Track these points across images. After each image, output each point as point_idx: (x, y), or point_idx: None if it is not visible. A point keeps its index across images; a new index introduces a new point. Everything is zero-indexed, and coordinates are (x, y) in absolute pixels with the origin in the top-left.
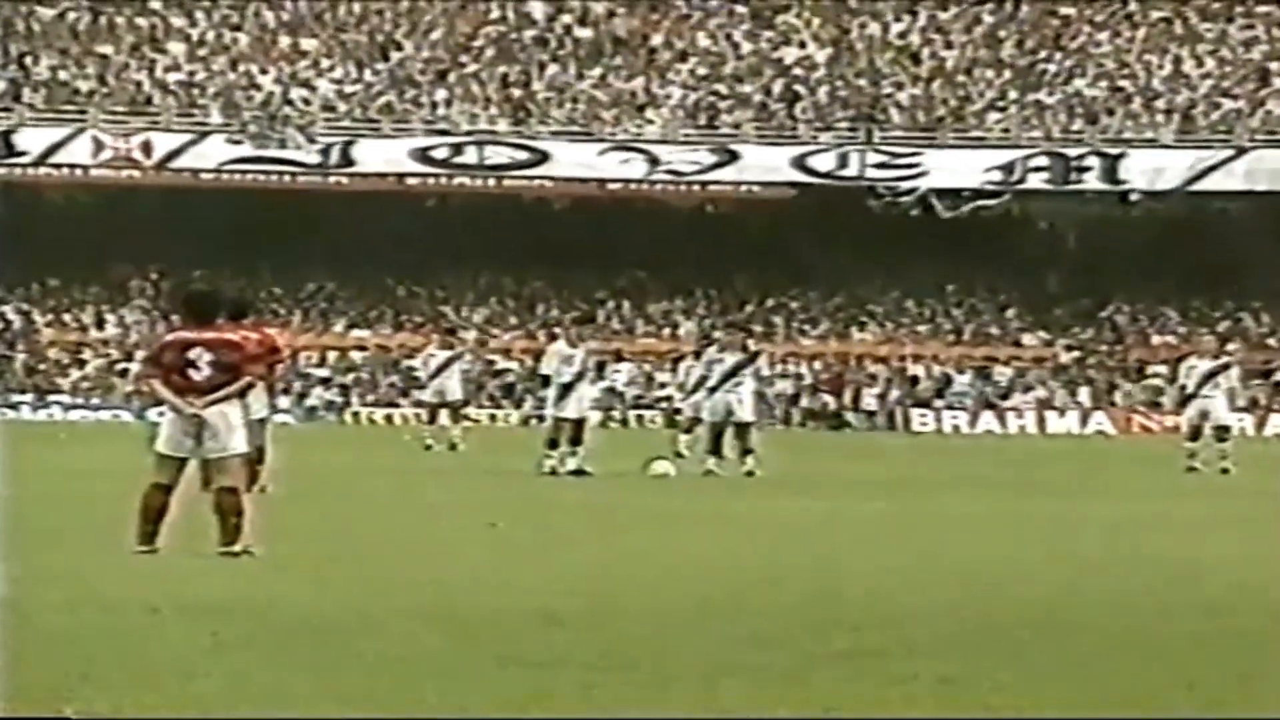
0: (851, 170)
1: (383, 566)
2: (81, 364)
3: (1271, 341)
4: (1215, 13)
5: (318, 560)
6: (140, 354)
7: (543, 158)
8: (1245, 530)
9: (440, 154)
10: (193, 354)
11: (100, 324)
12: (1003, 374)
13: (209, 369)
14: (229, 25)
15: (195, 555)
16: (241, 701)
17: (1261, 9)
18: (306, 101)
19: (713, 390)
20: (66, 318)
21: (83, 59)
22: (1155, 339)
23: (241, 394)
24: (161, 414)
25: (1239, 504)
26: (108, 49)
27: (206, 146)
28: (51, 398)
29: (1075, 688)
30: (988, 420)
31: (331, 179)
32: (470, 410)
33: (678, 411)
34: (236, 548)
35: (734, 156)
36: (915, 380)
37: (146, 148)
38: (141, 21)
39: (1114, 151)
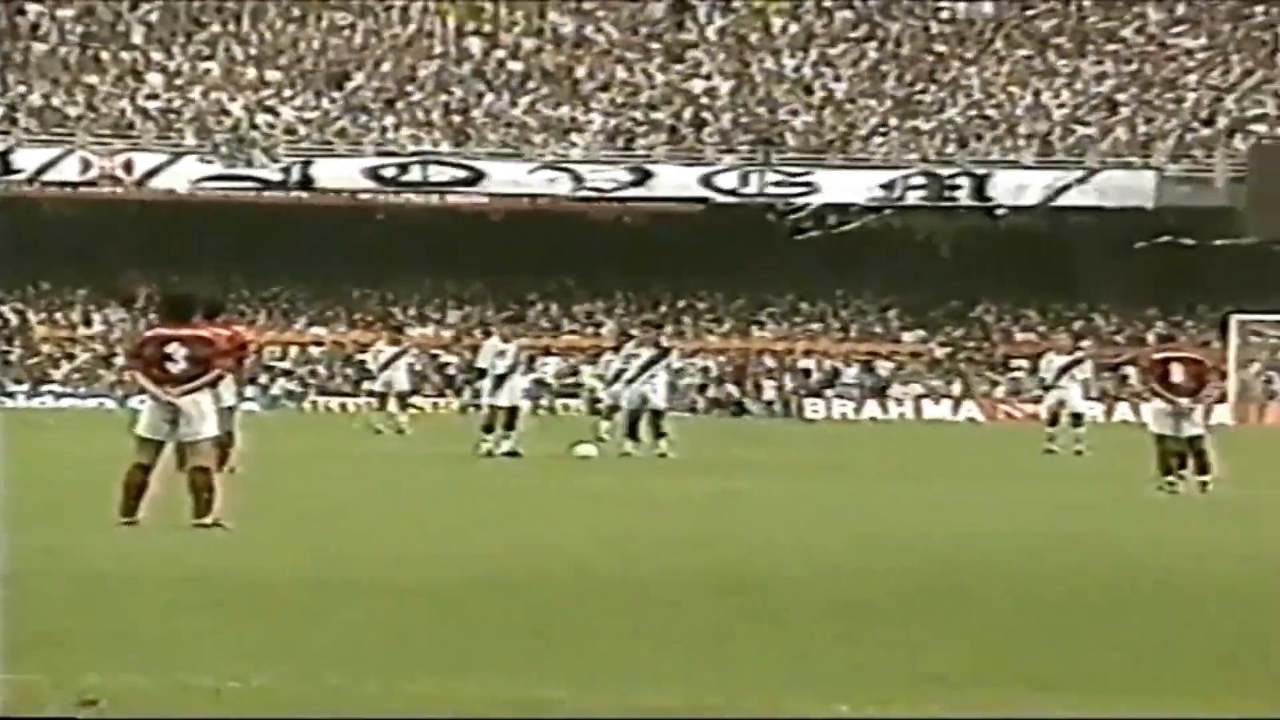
0: (752, 188)
1: (338, 539)
2: (71, 357)
3: (1119, 339)
4: (1070, 50)
5: (280, 533)
6: (123, 349)
7: (479, 176)
8: (1096, 506)
9: (389, 173)
10: (170, 349)
11: (88, 322)
12: (885, 367)
13: (184, 362)
14: (201, 58)
15: (172, 528)
16: (209, 658)
17: (1110, 47)
18: (270, 126)
19: (630, 381)
20: (58, 316)
21: (72, 88)
22: (1018, 336)
23: (213, 384)
24: (142, 402)
25: (1091, 482)
26: (94, 79)
27: (181, 166)
28: (44, 388)
29: (951, 642)
30: (871, 408)
31: (292, 195)
32: (415, 399)
33: (599, 400)
34: (208, 521)
35: (648, 175)
36: (808, 373)
37: (128, 166)
38: (124, 55)
39: (982, 172)
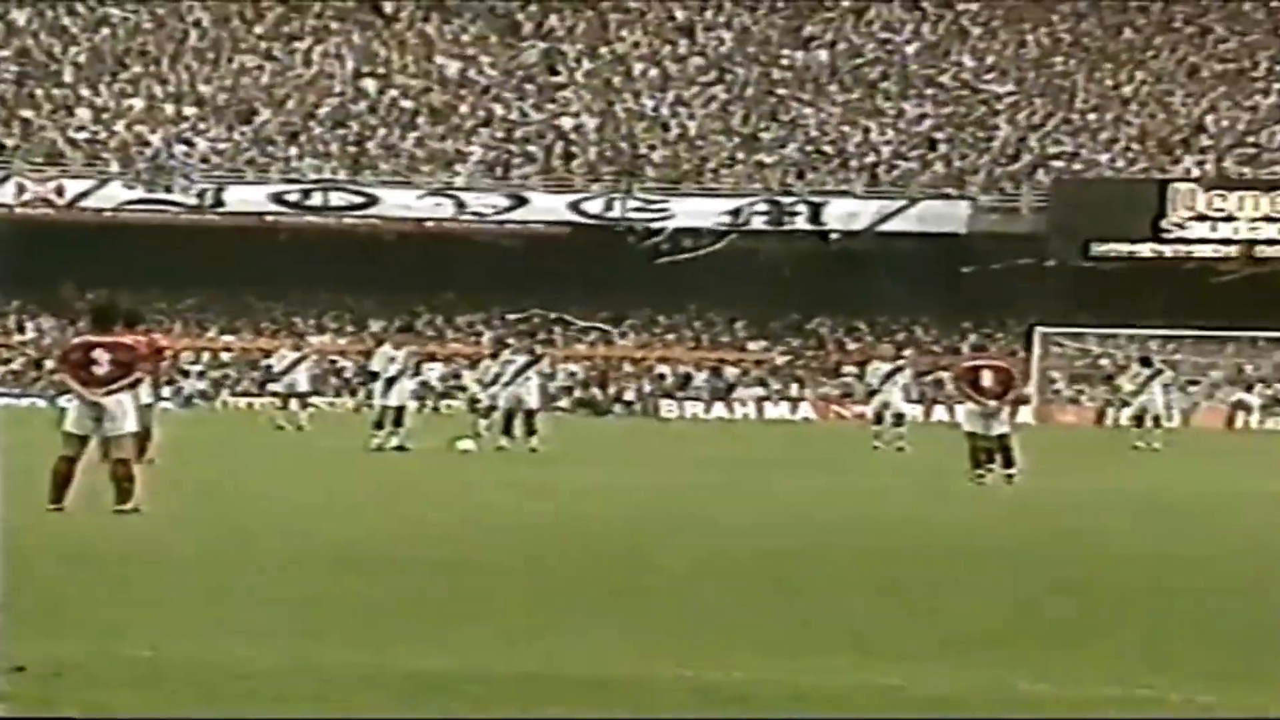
0: (615, 213)
1: (245, 522)
2: (6, 362)
3: (936, 348)
4: (894, 93)
5: (193, 516)
6: (53, 354)
7: (373, 201)
8: (915, 494)
9: (292, 197)
10: (95, 353)
11: (21, 329)
12: (731, 372)
13: (108, 365)
14: (125, 95)
15: (96, 513)
16: (129, 630)
17: (929, 91)
18: (187, 155)
19: (506, 384)
20: None
21: (9, 121)
22: (848, 346)
23: (133, 385)
24: (69, 401)
25: (911, 474)
26: (29, 113)
27: (108, 190)
28: None
29: (788, 614)
30: (719, 409)
31: (206, 216)
32: (314, 399)
33: (478, 401)
34: (128, 507)
35: (523, 201)
36: (663, 377)
37: (59, 190)
38: (56, 92)
39: (817, 200)
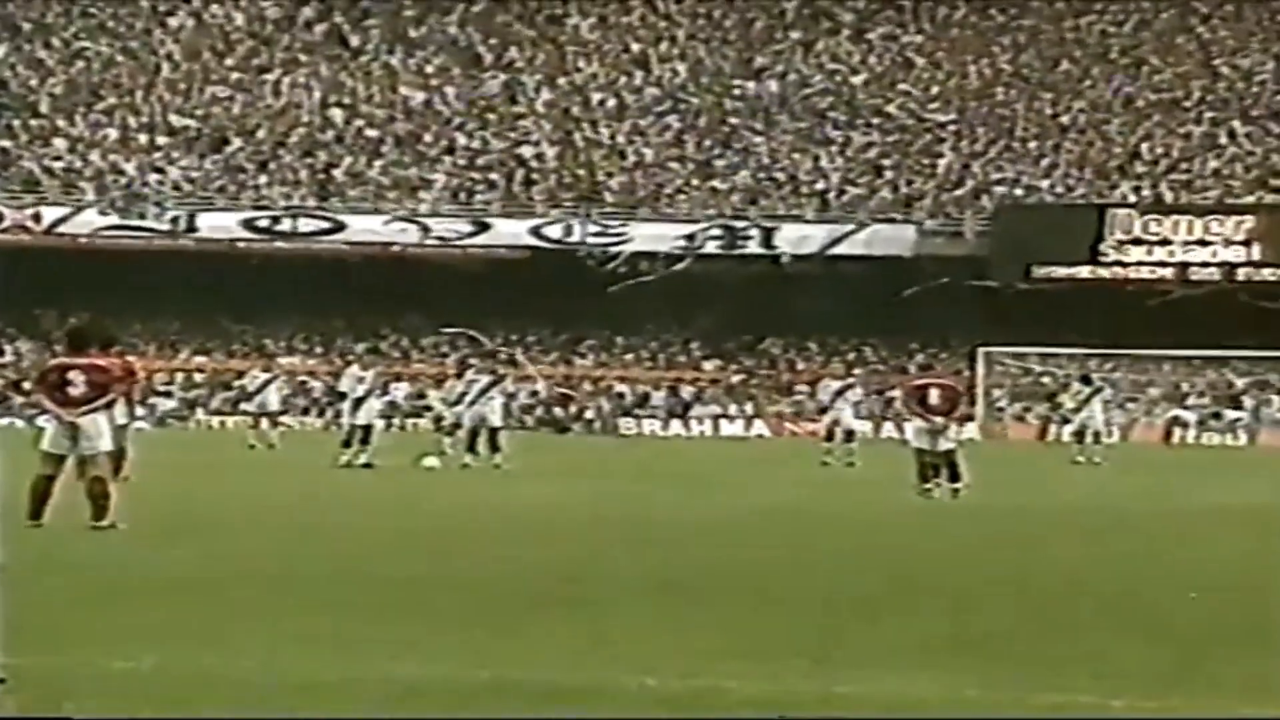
0: (575, 238)
1: (216, 537)
2: None
3: (884, 367)
4: (842, 122)
5: (167, 532)
6: (31, 376)
7: (341, 226)
8: (865, 508)
9: (263, 223)
10: (71, 375)
11: (0, 352)
12: (687, 391)
13: (83, 386)
14: (100, 125)
15: (72, 530)
16: (105, 641)
17: (876, 120)
18: (160, 182)
19: (471, 403)
20: None
21: None
22: (800, 365)
23: (108, 406)
24: (47, 421)
25: (861, 488)
26: (7, 143)
27: (83, 217)
28: None
29: (746, 622)
30: (676, 426)
31: (179, 242)
32: (284, 418)
33: (443, 419)
34: (104, 523)
35: (486, 226)
36: (622, 396)
37: (37, 217)
38: (34, 122)
39: (769, 225)
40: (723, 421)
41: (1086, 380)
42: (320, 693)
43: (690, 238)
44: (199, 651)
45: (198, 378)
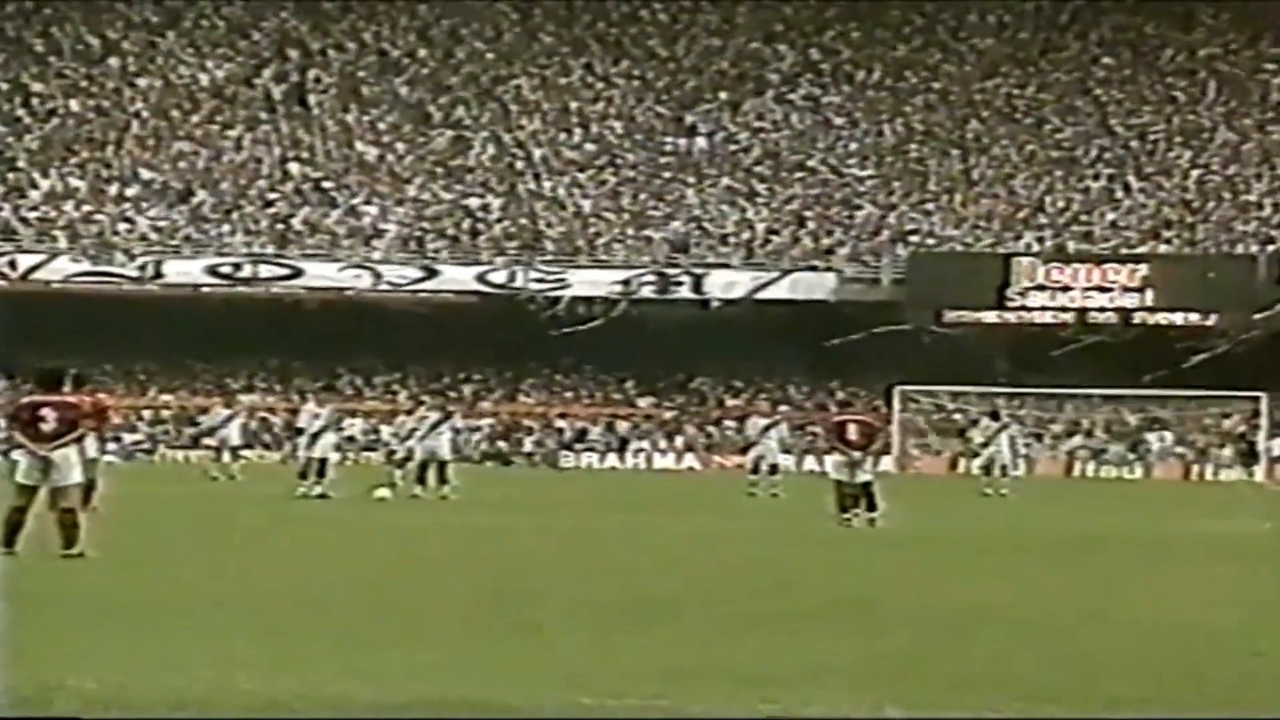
0: (518, 283)
1: (180, 563)
2: None
3: (807, 404)
4: (768, 176)
5: (134, 560)
6: (4, 413)
7: (299, 273)
8: (788, 536)
9: (225, 270)
10: (43, 412)
11: None
12: (623, 426)
13: (55, 422)
14: (73, 177)
15: (44, 557)
16: (72, 662)
17: (799, 174)
18: (130, 231)
19: (421, 438)
20: None
21: None
22: (728, 402)
23: (78, 440)
24: (20, 455)
25: (784, 518)
26: None
27: (56, 263)
28: None
29: (676, 643)
30: (612, 459)
31: (147, 287)
32: (245, 452)
33: (394, 452)
34: (74, 551)
35: (435, 273)
36: (562, 431)
37: (12, 264)
38: (10, 175)
39: (699, 272)
40: (656, 455)
41: (994, 416)
42: (274, 710)
43: (626, 283)
44: (162, 672)
45: (164, 414)
